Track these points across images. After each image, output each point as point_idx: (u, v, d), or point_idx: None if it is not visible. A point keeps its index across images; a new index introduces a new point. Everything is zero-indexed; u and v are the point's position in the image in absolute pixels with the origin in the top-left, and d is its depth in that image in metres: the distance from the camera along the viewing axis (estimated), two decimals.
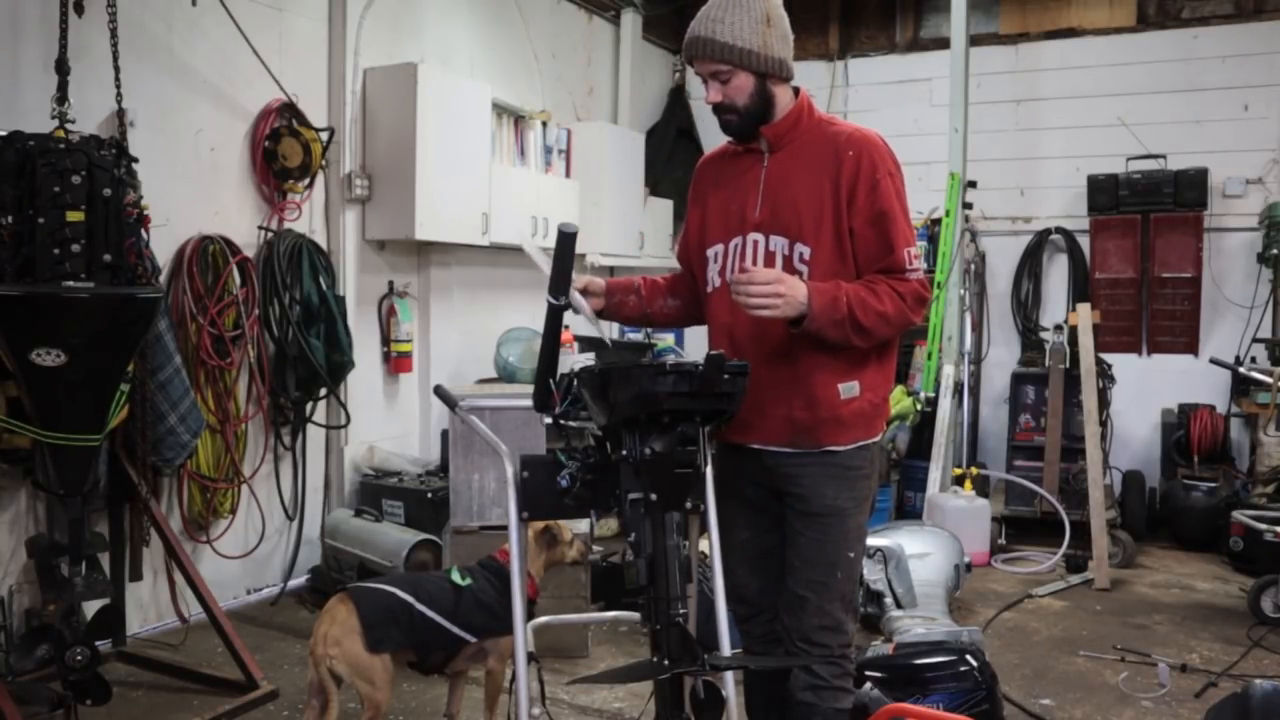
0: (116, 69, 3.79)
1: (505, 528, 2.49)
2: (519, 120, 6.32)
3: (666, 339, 6.96)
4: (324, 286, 4.90)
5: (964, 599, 5.00)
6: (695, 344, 6.77)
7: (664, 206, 7.72)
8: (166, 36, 4.39)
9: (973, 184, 6.64)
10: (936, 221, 6.68)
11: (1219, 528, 5.81)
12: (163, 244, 4.22)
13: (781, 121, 2.52)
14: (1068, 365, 6.17)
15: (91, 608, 3.70)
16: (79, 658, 3.34)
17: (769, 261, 2.50)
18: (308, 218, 5.08)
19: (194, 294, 4.38)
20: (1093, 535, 5.47)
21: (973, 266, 7.14)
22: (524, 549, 2.45)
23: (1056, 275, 7.37)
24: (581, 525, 4.26)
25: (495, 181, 5.79)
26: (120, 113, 3.81)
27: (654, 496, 2.19)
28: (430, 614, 3.04)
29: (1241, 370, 5.78)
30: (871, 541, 4.42)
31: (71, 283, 3.23)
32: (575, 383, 2.34)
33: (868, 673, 3.26)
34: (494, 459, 4.10)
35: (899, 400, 5.94)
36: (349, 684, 3.01)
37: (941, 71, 6.75)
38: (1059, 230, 7.28)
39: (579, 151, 6.81)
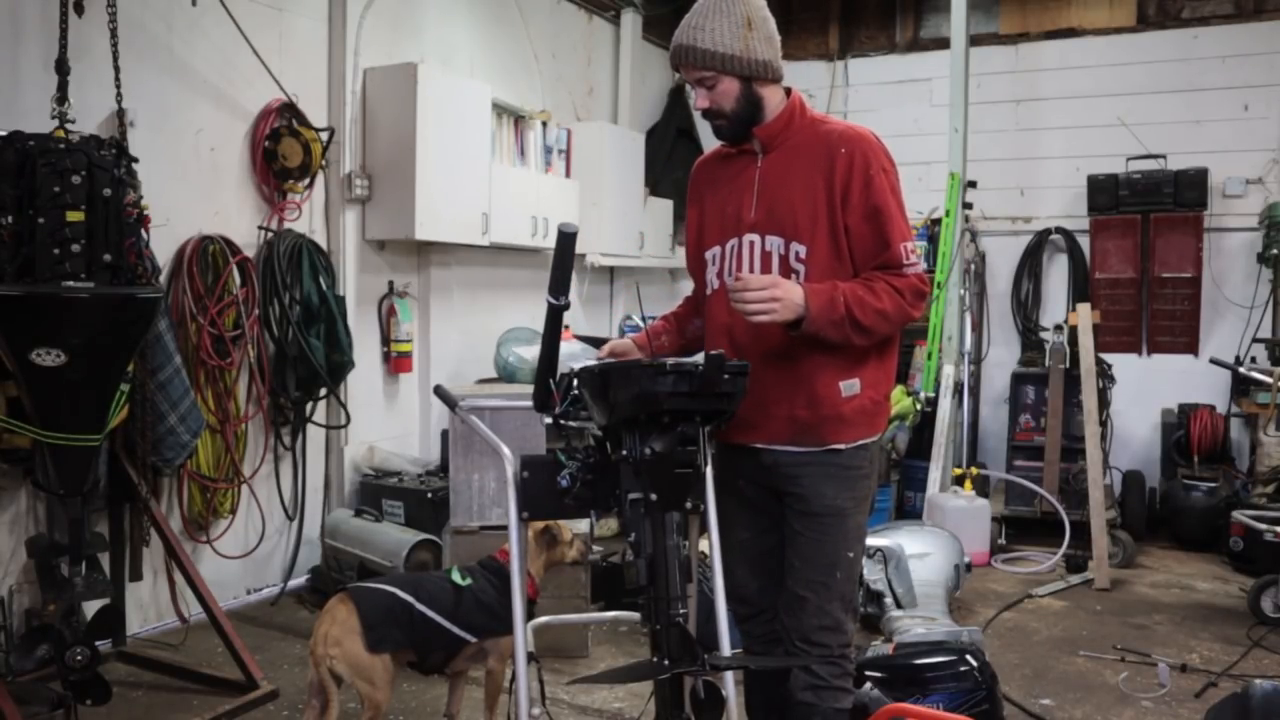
0: (116, 69, 3.79)
1: (505, 528, 2.49)
2: (519, 120, 6.32)
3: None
4: (324, 286, 4.90)
5: (964, 599, 5.00)
6: None
7: (664, 206, 7.72)
8: (166, 36, 4.39)
9: (973, 184, 6.64)
10: (936, 221, 6.68)
11: (1219, 528, 5.81)
12: (163, 244, 4.22)
13: (773, 122, 2.52)
14: (1068, 365, 6.17)
15: (91, 608, 3.70)
16: (79, 658, 3.34)
17: (765, 261, 2.50)
18: (308, 218, 5.08)
19: (194, 294, 4.38)
20: (1093, 535, 5.47)
21: (973, 266, 7.14)
22: (524, 549, 2.45)
23: (1056, 275, 7.37)
24: (581, 525, 4.27)
25: (495, 181, 5.79)
26: (120, 113, 3.81)
27: (654, 496, 2.19)
28: (430, 614, 3.04)
29: (1241, 370, 5.78)
30: (871, 541, 4.42)
31: (71, 283, 3.23)
32: (575, 383, 2.35)
33: (868, 673, 3.26)
34: (494, 459, 4.09)
35: (899, 400, 5.94)
36: (349, 684, 3.01)
37: (941, 71, 6.75)
38: (1059, 230, 7.28)
39: (579, 151, 6.81)
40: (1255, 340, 6.61)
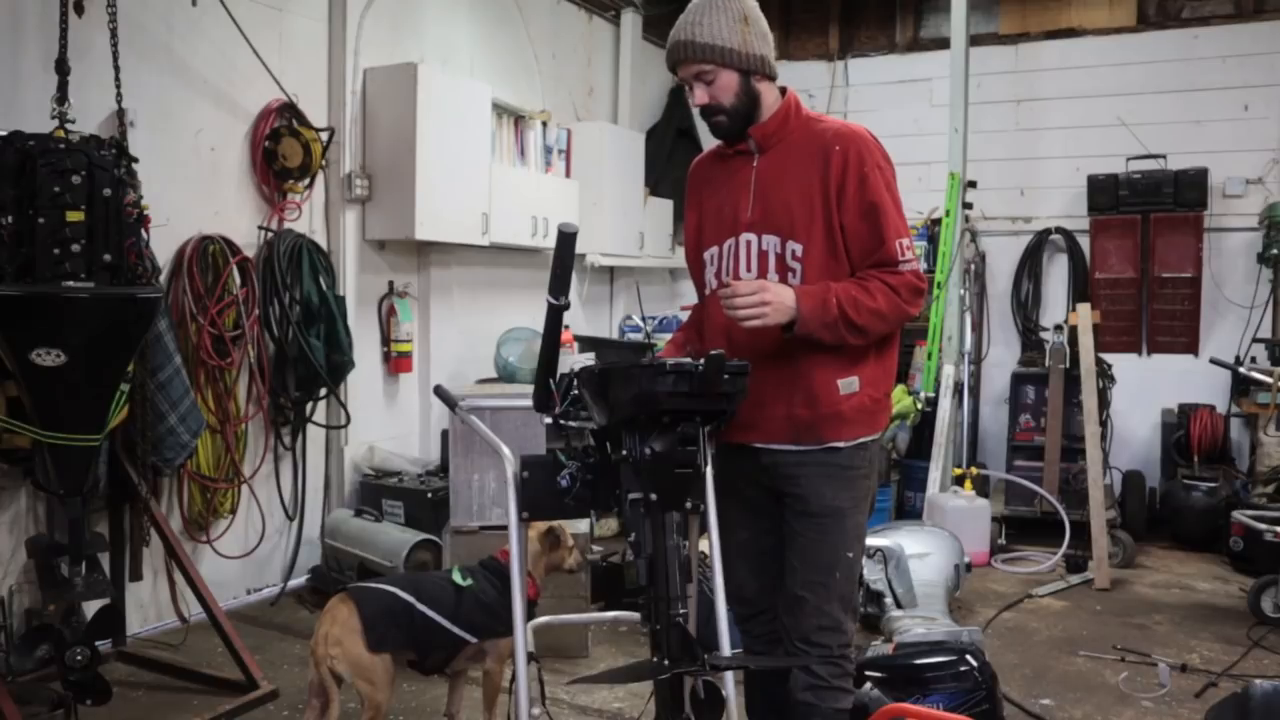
0: (116, 69, 3.79)
1: (505, 528, 2.48)
2: (519, 120, 6.32)
3: (666, 339, 6.96)
4: (324, 286, 4.90)
5: (964, 599, 5.00)
6: None
7: (664, 206, 7.72)
8: (166, 36, 4.39)
9: (973, 184, 6.63)
10: (936, 221, 6.68)
11: (1219, 528, 5.81)
12: (163, 244, 4.22)
13: (769, 121, 2.54)
14: (1068, 365, 6.17)
15: (91, 608, 3.69)
16: (79, 658, 3.34)
17: (762, 261, 2.51)
18: (308, 218, 5.08)
19: (194, 294, 4.37)
20: (1093, 535, 5.47)
21: (973, 266, 7.14)
22: (524, 549, 2.45)
23: (1056, 275, 7.37)
24: (581, 525, 4.27)
25: (495, 181, 5.79)
26: (120, 113, 3.81)
27: (654, 496, 2.19)
28: (431, 614, 3.04)
29: (1241, 370, 5.78)
30: (871, 541, 4.42)
31: (71, 283, 3.23)
32: (575, 383, 2.35)
33: (868, 673, 3.26)
34: (494, 459, 4.08)
35: (899, 399, 5.94)
36: (350, 684, 3.01)
37: (941, 71, 6.75)
38: (1059, 230, 7.28)
39: (579, 151, 6.81)
40: (1255, 340, 6.61)
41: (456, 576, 3.15)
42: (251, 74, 4.71)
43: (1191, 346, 6.95)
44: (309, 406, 5.01)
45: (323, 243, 5.12)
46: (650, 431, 2.19)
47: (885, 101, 7.75)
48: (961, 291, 6.50)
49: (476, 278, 6.21)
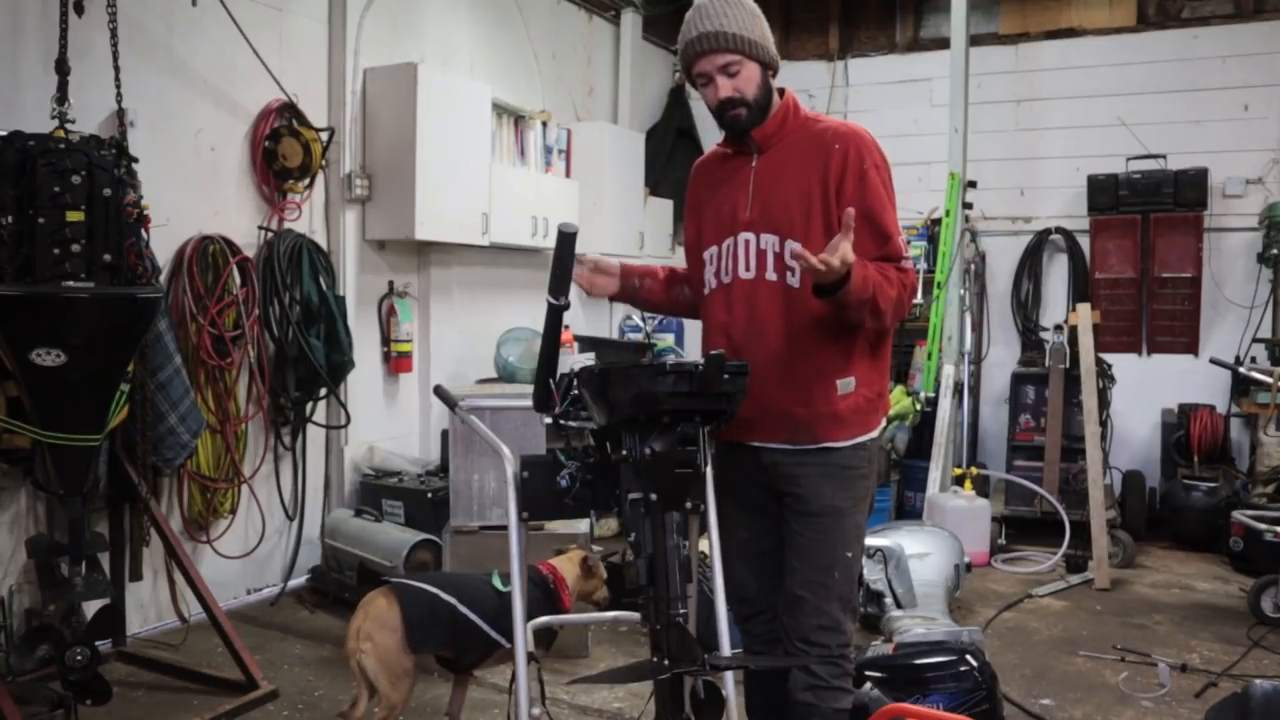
0: (116, 69, 3.79)
1: (505, 528, 2.49)
2: (519, 120, 6.32)
3: (666, 339, 6.97)
4: (324, 286, 4.90)
5: (964, 599, 5.00)
6: (695, 344, 6.77)
7: (664, 206, 7.72)
8: (166, 36, 4.39)
9: (973, 184, 6.64)
10: (936, 221, 6.68)
11: (1219, 528, 5.81)
12: (163, 244, 4.21)
13: (769, 122, 2.55)
14: (1068, 365, 6.17)
15: (91, 608, 3.69)
16: (79, 658, 3.34)
17: (760, 259, 2.52)
18: (308, 218, 5.08)
19: (194, 294, 4.37)
20: (1093, 535, 5.47)
21: (973, 266, 7.14)
22: (523, 549, 2.45)
23: (1056, 275, 7.37)
24: (581, 525, 4.28)
25: (495, 181, 5.79)
26: (120, 113, 3.81)
27: (654, 496, 2.19)
28: (474, 617, 3.05)
29: (1241, 370, 5.78)
30: (871, 541, 4.41)
31: (71, 283, 3.23)
32: (575, 383, 2.35)
33: (868, 673, 3.26)
34: (494, 459, 4.09)
35: (899, 400, 5.94)
36: (372, 678, 3.00)
37: (941, 71, 6.75)
38: (1059, 230, 7.28)
39: (579, 151, 6.81)
40: (1255, 340, 6.61)
41: (496, 582, 3.15)
42: (251, 74, 4.71)
43: (1191, 346, 6.95)
44: (309, 406, 5.00)
45: (323, 243, 5.12)
46: (650, 431, 2.19)
47: (885, 101, 7.74)
48: (961, 291, 6.50)
49: (476, 278, 6.21)
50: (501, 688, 3.67)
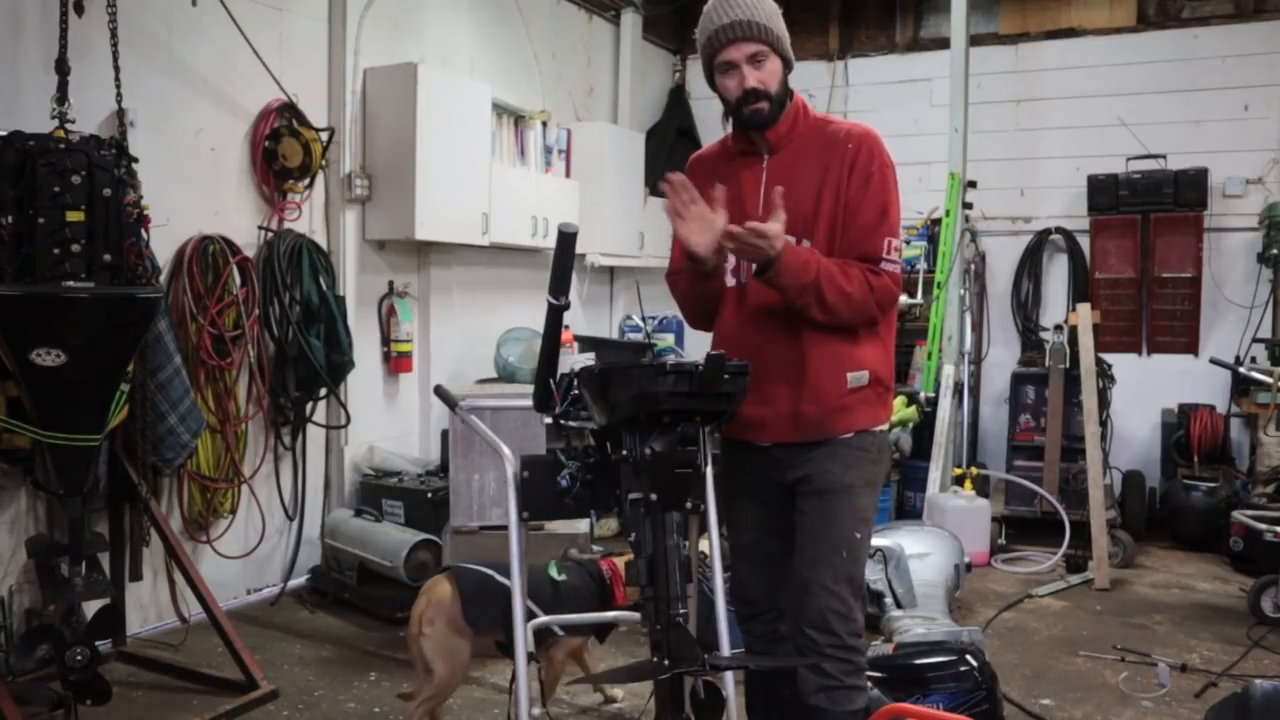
0: (116, 69, 3.79)
1: (505, 528, 2.49)
2: (519, 120, 6.32)
3: (666, 339, 6.97)
4: (324, 286, 4.90)
5: (964, 599, 5.00)
6: (695, 344, 6.77)
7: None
8: (166, 36, 4.39)
9: (973, 184, 6.63)
10: (936, 221, 6.67)
11: (1219, 528, 5.81)
12: (163, 244, 4.22)
13: (782, 122, 2.53)
14: (1068, 365, 6.16)
15: (91, 608, 3.69)
16: (79, 658, 3.34)
17: None
18: (308, 218, 5.08)
19: (194, 294, 4.37)
20: (1093, 535, 5.46)
21: (973, 266, 7.14)
22: (524, 549, 2.46)
23: (1056, 275, 7.36)
24: (581, 525, 4.28)
25: (495, 181, 5.79)
26: (120, 113, 3.81)
27: (654, 496, 2.19)
28: (529, 602, 3.10)
29: (1241, 370, 5.77)
30: (872, 541, 4.41)
31: (71, 283, 3.23)
32: (575, 383, 2.35)
33: (868, 673, 3.25)
34: (494, 459, 4.09)
35: (900, 410, 5.86)
36: (430, 659, 3.08)
37: (941, 71, 6.74)
38: (1059, 230, 7.28)
39: (579, 151, 6.81)
40: (1255, 340, 6.60)
41: (552, 571, 3.23)
42: (251, 74, 4.71)
43: (1191, 346, 6.94)
44: (309, 406, 5.01)
45: (323, 243, 5.12)
46: (650, 431, 2.19)
47: (885, 101, 7.74)
48: (961, 291, 6.49)
49: (476, 278, 6.21)
50: (501, 688, 3.68)
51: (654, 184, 7.62)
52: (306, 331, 4.80)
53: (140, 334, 3.52)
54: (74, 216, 3.25)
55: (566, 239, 2.30)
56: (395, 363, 5.61)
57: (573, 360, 5.08)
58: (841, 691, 2.45)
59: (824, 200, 2.47)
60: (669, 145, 7.96)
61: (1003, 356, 7.36)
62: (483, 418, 3.22)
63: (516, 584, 2.40)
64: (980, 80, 6.84)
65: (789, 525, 2.55)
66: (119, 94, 3.80)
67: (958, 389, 6.36)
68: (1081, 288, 7.16)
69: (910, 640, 3.64)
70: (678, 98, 8.21)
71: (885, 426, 2.59)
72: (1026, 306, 7.37)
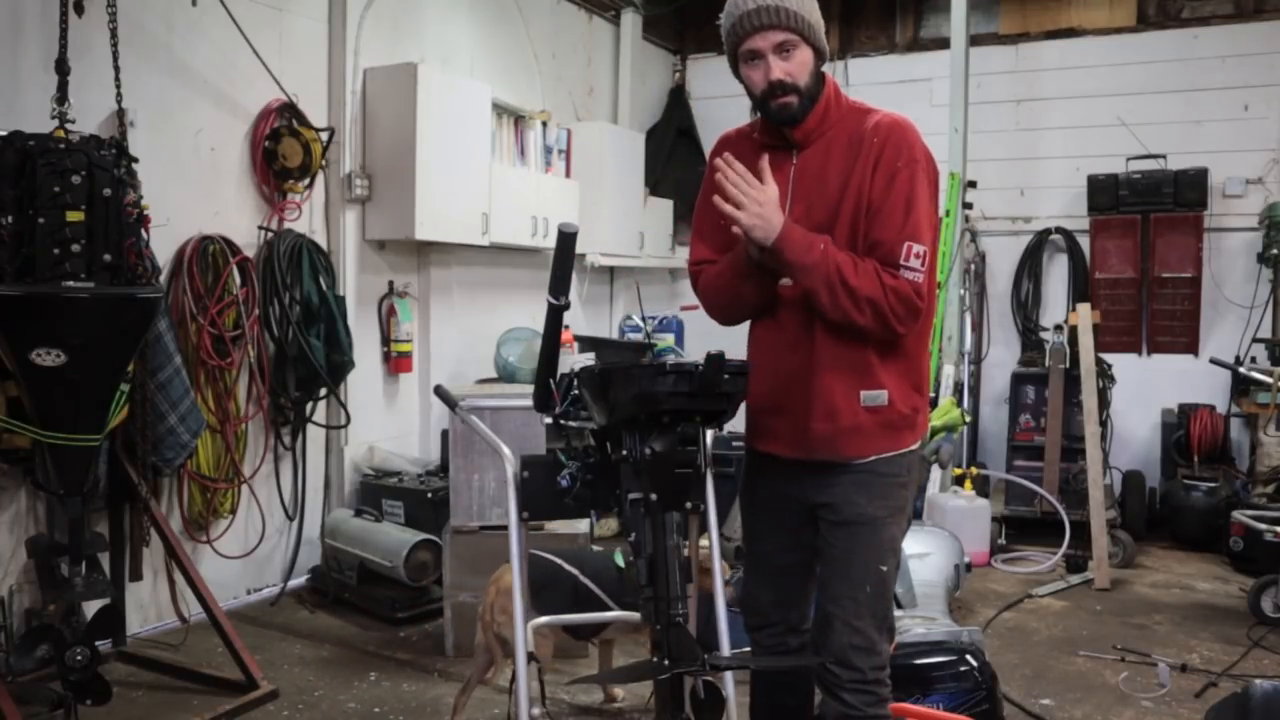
0: (116, 69, 3.79)
1: (505, 528, 2.49)
2: (519, 120, 6.32)
3: (666, 339, 6.97)
4: (324, 286, 4.90)
5: (964, 599, 5.00)
6: (695, 344, 6.77)
7: (664, 206, 7.72)
8: (166, 36, 4.39)
9: (973, 184, 6.63)
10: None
11: (1219, 528, 5.81)
12: (163, 244, 4.22)
13: (810, 117, 2.35)
14: (1068, 365, 6.16)
15: (91, 608, 3.69)
16: (79, 658, 3.34)
17: None
18: (308, 218, 5.08)
19: (194, 294, 4.37)
20: (1093, 535, 5.46)
21: (973, 266, 7.14)
22: (524, 549, 2.46)
23: (1056, 275, 7.36)
24: (581, 525, 4.28)
25: (495, 181, 5.79)
26: (120, 113, 3.81)
27: (654, 496, 2.19)
28: (594, 588, 3.26)
29: (1241, 370, 5.77)
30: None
31: (71, 283, 3.23)
32: (575, 383, 2.35)
33: None
34: (494, 459, 4.09)
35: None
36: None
37: (941, 71, 6.75)
38: (1059, 230, 7.28)
39: (579, 151, 6.81)
40: (1255, 340, 6.61)
41: (618, 559, 3.30)
42: (251, 74, 4.71)
43: (1191, 346, 6.94)
44: (309, 406, 5.01)
45: (323, 243, 5.12)
46: (650, 431, 2.19)
47: (885, 101, 7.49)
48: (961, 291, 6.50)
49: (476, 278, 6.21)
50: (501, 688, 3.67)
51: (654, 184, 7.63)
52: (306, 331, 4.80)
53: (140, 334, 3.52)
54: (74, 216, 3.25)
55: (566, 239, 2.30)
56: (395, 363, 5.61)
57: (573, 360, 5.08)
58: None
59: (846, 199, 2.30)
60: (669, 145, 7.97)
61: (1003, 356, 7.36)
62: (483, 418, 3.22)
63: (517, 584, 2.40)
64: (980, 80, 6.84)
65: (805, 542, 2.44)
66: (119, 94, 3.80)
67: (958, 389, 6.36)
68: (1081, 288, 7.16)
69: (910, 640, 3.63)
70: (678, 98, 8.21)
71: (915, 445, 2.42)
72: (1026, 306, 7.37)
